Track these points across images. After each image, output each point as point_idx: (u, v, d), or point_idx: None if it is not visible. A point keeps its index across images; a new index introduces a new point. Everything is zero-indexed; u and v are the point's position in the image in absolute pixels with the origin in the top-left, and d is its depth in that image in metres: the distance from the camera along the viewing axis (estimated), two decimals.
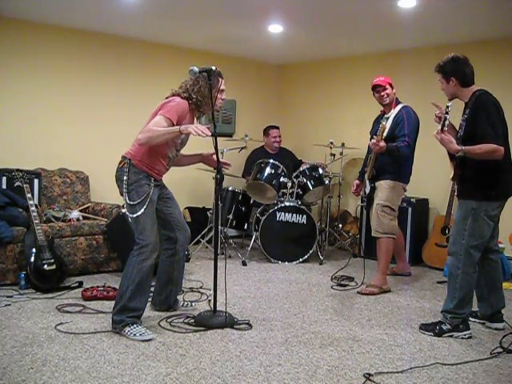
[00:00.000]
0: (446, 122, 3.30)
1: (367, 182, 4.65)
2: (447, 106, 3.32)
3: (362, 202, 4.96)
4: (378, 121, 4.74)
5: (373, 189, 4.61)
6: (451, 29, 5.10)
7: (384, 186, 4.52)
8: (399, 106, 4.56)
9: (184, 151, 3.72)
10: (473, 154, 3.28)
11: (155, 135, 3.22)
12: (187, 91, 3.42)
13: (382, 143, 4.31)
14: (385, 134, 4.39)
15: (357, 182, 4.86)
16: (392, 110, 4.56)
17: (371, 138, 4.73)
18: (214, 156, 3.61)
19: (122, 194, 3.40)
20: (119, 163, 3.43)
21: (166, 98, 3.44)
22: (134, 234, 3.41)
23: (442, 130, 3.31)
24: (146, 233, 3.35)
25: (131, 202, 3.33)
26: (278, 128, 6.50)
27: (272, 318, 3.76)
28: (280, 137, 6.47)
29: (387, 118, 4.55)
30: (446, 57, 3.46)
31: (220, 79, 3.47)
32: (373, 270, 4.75)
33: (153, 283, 3.63)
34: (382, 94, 4.55)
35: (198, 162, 3.85)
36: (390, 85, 4.57)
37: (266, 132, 6.50)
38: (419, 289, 4.71)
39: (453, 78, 3.42)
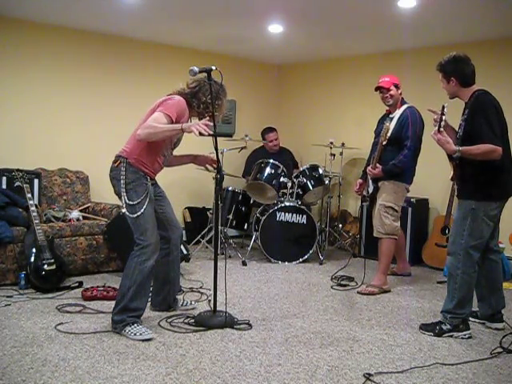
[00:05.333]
0: (442, 123, 3.28)
1: (370, 181, 4.65)
2: (443, 107, 3.29)
3: (362, 201, 4.95)
4: (382, 120, 4.72)
5: (376, 189, 4.61)
6: (451, 29, 5.10)
7: (387, 186, 4.52)
8: (404, 107, 4.53)
9: (182, 151, 3.72)
10: (470, 154, 3.27)
11: (156, 131, 3.18)
12: (190, 92, 3.43)
13: (376, 170, 4.43)
14: (389, 135, 4.40)
15: (360, 181, 4.83)
16: (397, 110, 4.55)
17: (375, 137, 4.73)
18: (212, 156, 3.61)
19: (117, 194, 3.37)
20: (114, 162, 3.38)
21: (169, 95, 3.43)
22: (134, 234, 3.37)
23: (438, 130, 3.30)
24: (147, 233, 3.32)
25: (131, 202, 3.29)
26: (273, 130, 6.46)
27: (272, 317, 3.76)
28: (277, 139, 6.45)
29: (391, 119, 4.54)
30: (448, 55, 3.45)
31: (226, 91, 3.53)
32: (373, 270, 4.75)
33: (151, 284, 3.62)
34: (386, 95, 4.53)
35: (189, 162, 3.81)
36: (396, 85, 4.53)
37: (263, 136, 6.47)
38: (419, 289, 4.71)
39: (453, 78, 3.41)
